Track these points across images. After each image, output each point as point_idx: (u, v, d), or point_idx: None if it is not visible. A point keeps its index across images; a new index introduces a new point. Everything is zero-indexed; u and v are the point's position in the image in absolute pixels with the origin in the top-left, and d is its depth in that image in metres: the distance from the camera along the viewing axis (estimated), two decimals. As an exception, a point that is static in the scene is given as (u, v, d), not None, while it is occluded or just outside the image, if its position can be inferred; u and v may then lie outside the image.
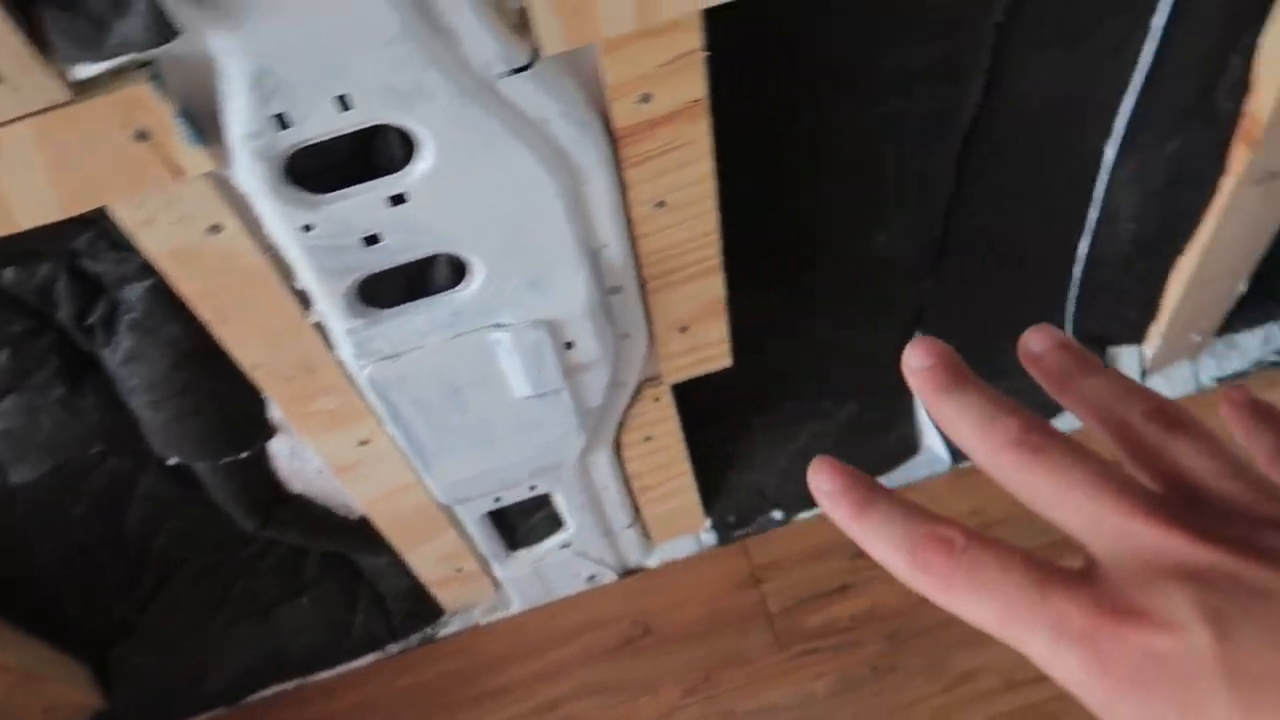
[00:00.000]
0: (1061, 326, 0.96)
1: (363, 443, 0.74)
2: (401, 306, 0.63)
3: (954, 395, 0.27)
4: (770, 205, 0.75)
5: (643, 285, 0.70)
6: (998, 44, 0.67)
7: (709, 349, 0.78)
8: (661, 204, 0.64)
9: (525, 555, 0.96)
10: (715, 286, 0.72)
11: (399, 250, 0.59)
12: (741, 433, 1.00)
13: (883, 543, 0.26)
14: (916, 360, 0.28)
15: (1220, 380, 1.07)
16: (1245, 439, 0.30)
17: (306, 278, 0.59)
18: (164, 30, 0.41)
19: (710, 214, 0.66)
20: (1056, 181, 0.83)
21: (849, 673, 0.96)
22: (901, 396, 1.01)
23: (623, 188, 0.62)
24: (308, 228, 0.55)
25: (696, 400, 0.88)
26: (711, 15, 0.53)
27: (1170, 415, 0.26)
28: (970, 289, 0.90)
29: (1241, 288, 0.96)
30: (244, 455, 0.71)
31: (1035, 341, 0.29)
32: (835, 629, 0.98)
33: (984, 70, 0.68)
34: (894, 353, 1.04)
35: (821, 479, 0.27)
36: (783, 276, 0.82)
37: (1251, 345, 1.07)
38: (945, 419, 0.27)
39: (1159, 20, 0.70)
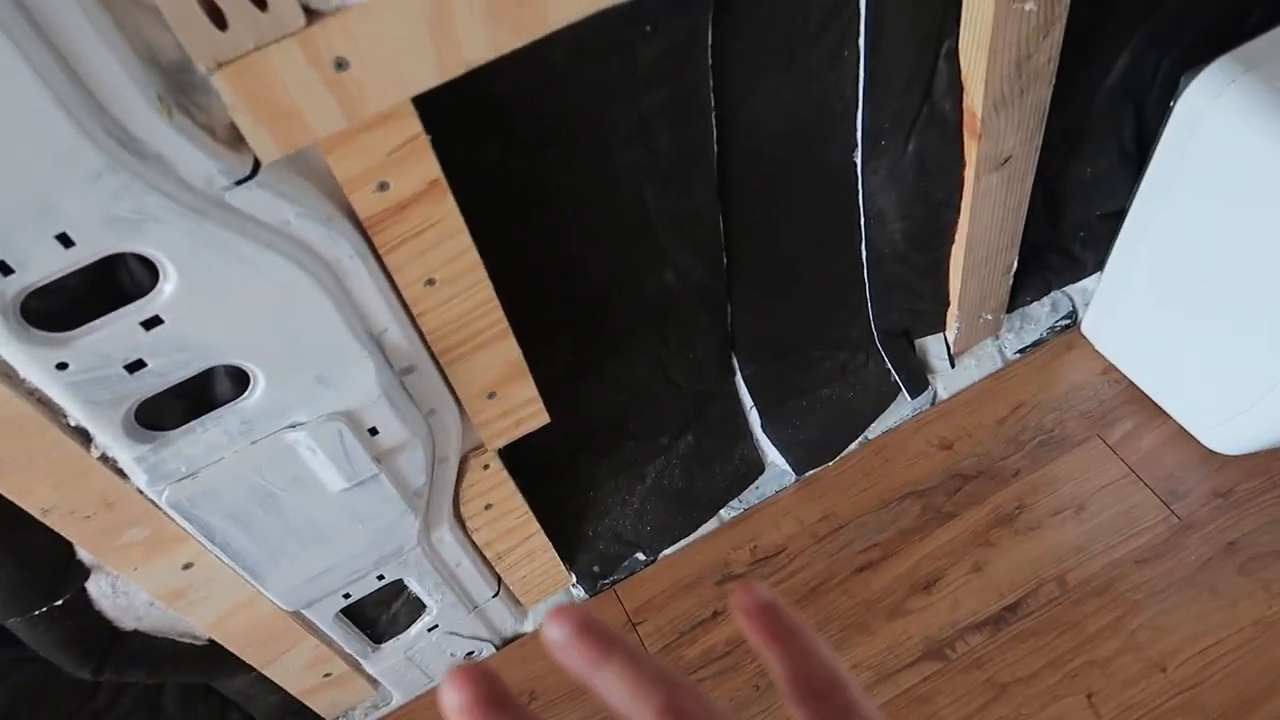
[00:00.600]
0: (867, 326, 1.02)
1: (187, 566, 0.74)
2: (188, 425, 0.64)
3: (603, 668, 0.26)
4: (548, 263, 0.78)
5: (436, 361, 0.72)
6: (718, 81, 0.72)
7: (522, 410, 0.80)
8: (431, 281, 0.67)
9: (394, 646, 0.95)
10: (510, 350, 0.75)
11: (168, 370, 0.60)
12: (588, 483, 1.02)
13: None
14: (554, 634, 0.26)
15: (1021, 351, 1.15)
16: (764, 650, 0.28)
17: (77, 414, 0.59)
18: None
19: (483, 283, 0.69)
20: (818, 195, 0.88)
21: (735, 695, 0.98)
22: (735, 418, 1.05)
23: (387, 272, 0.65)
24: (62, 365, 0.56)
25: (533, 459, 0.90)
26: (432, 97, 0.57)
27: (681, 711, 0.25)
28: (771, 306, 0.95)
29: (1014, 264, 1.04)
30: (58, 603, 0.70)
31: (554, 629, 0.26)
32: (714, 655, 1.00)
33: (712, 107, 0.73)
34: (715, 379, 1.09)
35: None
36: (580, 326, 0.85)
37: (1041, 314, 1.15)
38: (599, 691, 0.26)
39: (863, 40, 0.77)
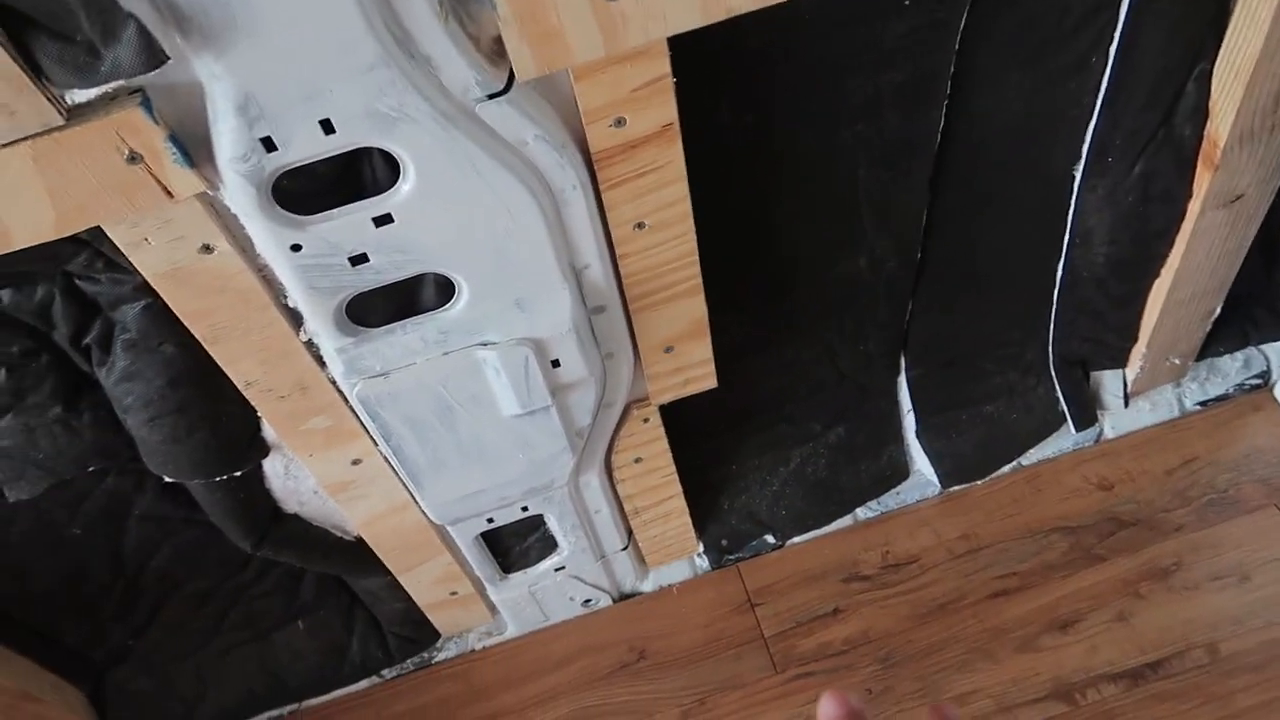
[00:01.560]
0: (1044, 349, 0.98)
1: (356, 462, 0.76)
2: (390, 325, 0.66)
3: None
4: (749, 229, 0.77)
5: (626, 305, 0.72)
6: (959, 68, 0.69)
7: (694, 370, 0.80)
8: (641, 225, 0.66)
9: (520, 579, 0.97)
10: (698, 307, 0.74)
11: (385, 270, 0.61)
12: (733, 456, 1.01)
13: None
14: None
15: (1203, 404, 1.08)
16: None
17: (297, 296, 0.62)
18: (153, 57, 0.44)
19: (689, 235, 0.68)
20: (1029, 203, 0.85)
21: (842, 696, 0.96)
22: (890, 419, 1.02)
23: (602, 210, 0.65)
24: (296, 248, 0.58)
25: (687, 423, 0.90)
26: (681, 43, 0.56)
27: None
28: (952, 310, 0.92)
29: (1217, 310, 0.98)
30: (239, 474, 0.73)
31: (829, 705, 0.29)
32: (829, 652, 0.99)
33: (946, 94, 0.70)
34: (880, 375, 1.07)
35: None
36: (765, 299, 0.84)
37: (1231, 369, 1.08)
38: None
39: (1114, 48, 0.73)
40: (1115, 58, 0.74)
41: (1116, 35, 0.73)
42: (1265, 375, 1.08)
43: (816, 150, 0.72)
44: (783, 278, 0.83)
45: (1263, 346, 1.09)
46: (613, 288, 0.70)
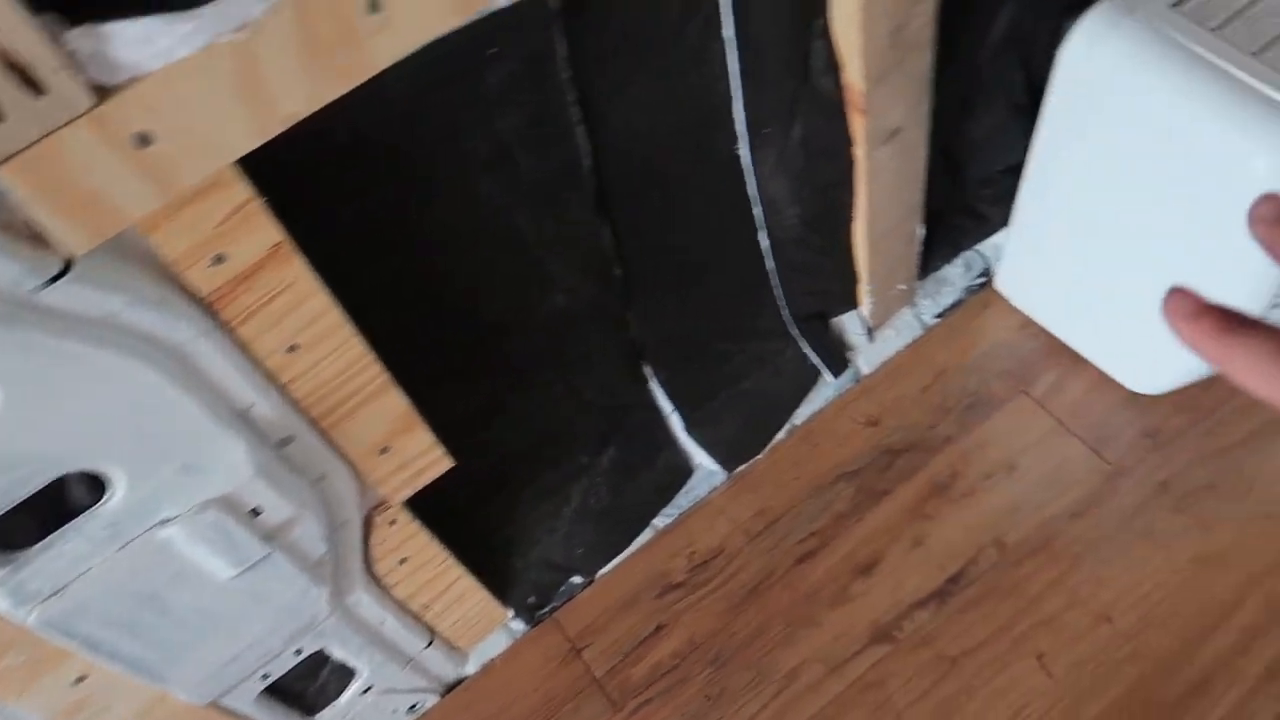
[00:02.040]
0: (777, 314, 0.99)
1: (79, 680, 0.68)
2: (46, 540, 0.58)
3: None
4: (433, 301, 0.73)
5: (317, 426, 0.68)
6: (583, 91, 0.68)
7: (420, 460, 0.76)
8: (294, 348, 0.62)
9: (330, 714, 0.91)
10: (395, 402, 0.70)
11: (8, 490, 0.54)
12: (511, 515, 0.98)
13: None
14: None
15: (940, 315, 1.13)
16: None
17: (-90, 552, 0.54)
18: None
19: (351, 342, 0.64)
20: (708, 192, 0.85)
21: (686, 709, 0.96)
22: (656, 426, 1.02)
23: (243, 346, 0.60)
24: (-122, 508, 0.50)
25: (450, 501, 0.86)
26: (266, 155, 0.51)
27: None
28: (674, 309, 0.92)
29: (918, 231, 1.02)
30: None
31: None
32: (661, 672, 0.98)
33: (576, 121, 0.69)
34: (629, 391, 1.05)
35: (1175, 302, 0.28)
36: (479, 361, 0.81)
37: (956, 276, 1.14)
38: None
39: (729, 30, 0.73)
40: (734, 37, 0.74)
41: (728, 16, 0.73)
42: (986, 272, 1.14)
43: (461, 213, 0.68)
44: (488, 335, 0.80)
45: (977, 249, 1.14)
46: (292, 415, 0.65)
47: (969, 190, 1.07)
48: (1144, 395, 1.04)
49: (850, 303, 1.06)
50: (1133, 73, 0.79)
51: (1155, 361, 0.99)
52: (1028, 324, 1.12)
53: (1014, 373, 1.09)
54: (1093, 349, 1.07)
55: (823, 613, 0.98)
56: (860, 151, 0.86)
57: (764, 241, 0.93)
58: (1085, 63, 0.82)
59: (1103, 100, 0.83)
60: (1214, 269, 0.82)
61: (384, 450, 0.73)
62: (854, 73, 0.79)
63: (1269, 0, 0.78)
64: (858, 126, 0.84)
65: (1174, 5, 0.79)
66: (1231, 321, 0.27)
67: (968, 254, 1.14)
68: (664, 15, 0.69)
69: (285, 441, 0.66)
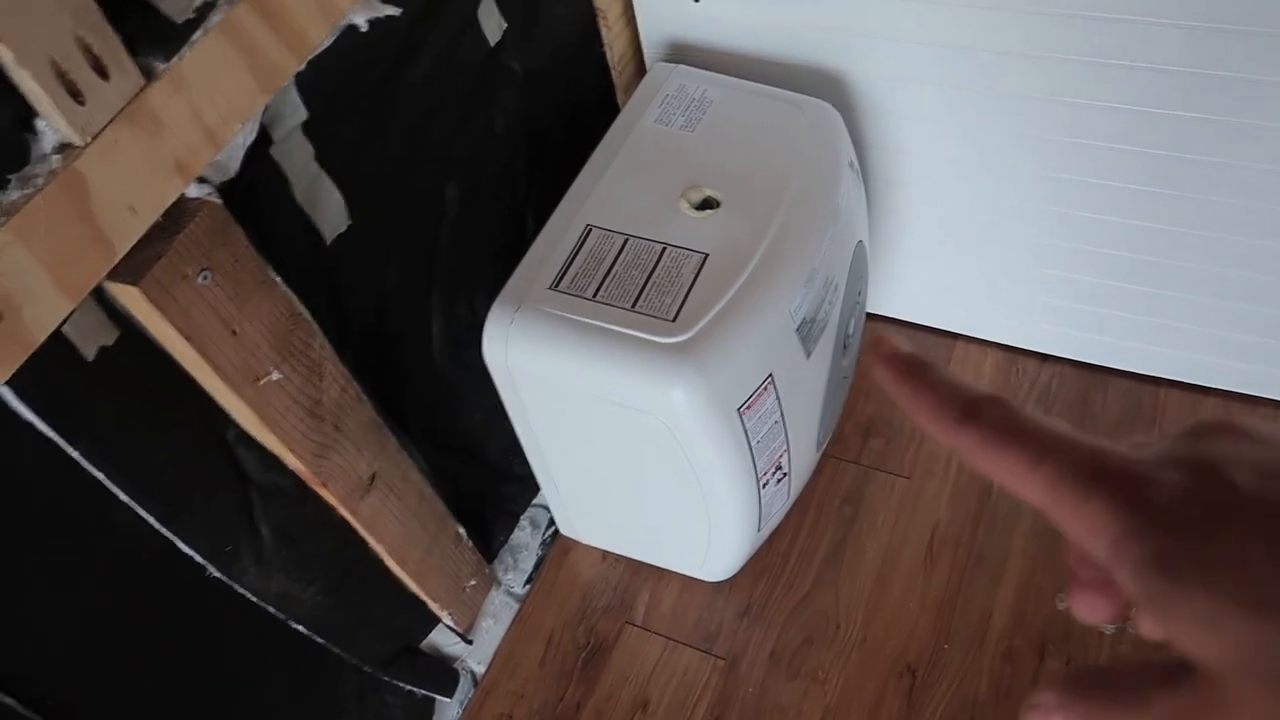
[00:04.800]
0: (357, 674, 0.94)
1: None
2: None
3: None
4: None
5: None
6: None
7: None
8: None
9: None
10: None
11: None
12: None
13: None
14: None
15: (529, 581, 1.14)
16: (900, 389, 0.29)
17: None
18: None
19: None
20: (198, 626, 0.79)
21: None
22: None
23: None
24: None
25: None
26: None
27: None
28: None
29: (461, 530, 1.03)
30: None
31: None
32: None
33: None
34: None
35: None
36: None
37: (526, 538, 1.16)
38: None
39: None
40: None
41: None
42: (553, 521, 1.17)
43: None
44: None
45: (533, 504, 1.18)
46: None
47: (495, 464, 1.11)
48: (723, 581, 1.11)
49: (429, 623, 1.03)
50: (543, 358, 0.86)
51: (711, 554, 1.06)
52: (606, 555, 1.16)
53: (613, 607, 1.12)
54: (661, 558, 1.12)
55: None
56: (345, 512, 0.85)
57: (299, 627, 0.89)
58: (504, 359, 0.88)
59: (536, 385, 0.90)
60: (689, 496, 0.90)
61: None
62: (293, 462, 0.78)
63: (625, 256, 0.89)
64: (328, 496, 0.83)
65: (552, 287, 0.88)
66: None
67: (529, 513, 1.17)
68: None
69: None
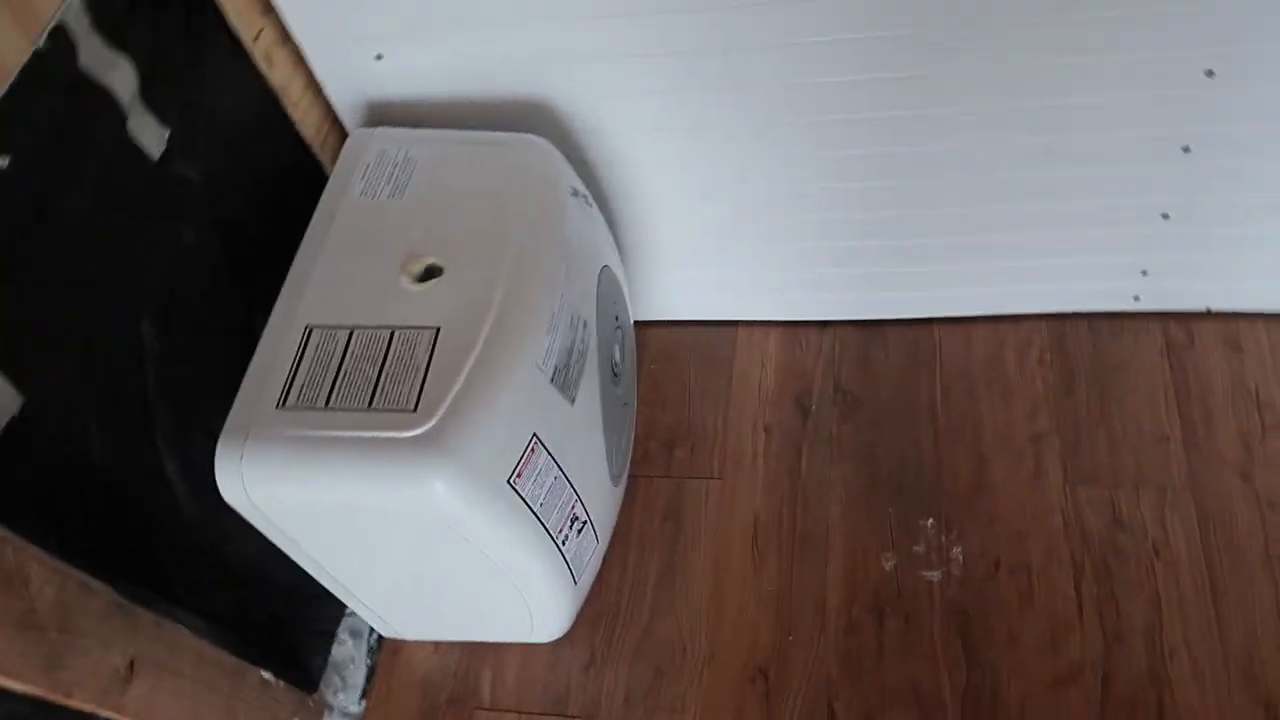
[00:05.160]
0: None
1: None
2: None
3: None
4: None
5: None
6: None
7: None
8: None
9: None
10: None
11: None
12: None
13: None
14: None
15: (364, 695, 1.07)
16: None
17: None
18: None
19: None
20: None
21: None
22: None
23: None
24: None
25: None
26: None
27: None
28: None
29: (266, 674, 0.94)
30: None
31: None
32: None
33: None
34: None
35: None
36: None
37: (350, 651, 1.08)
38: None
39: None
40: None
41: None
42: (370, 628, 1.10)
43: None
44: None
45: (347, 613, 1.10)
46: None
47: (290, 586, 1.03)
48: (561, 638, 1.07)
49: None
50: (287, 486, 0.79)
51: (536, 619, 1.01)
52: (437, 645, 1.09)
53: (457, 696, 1.06)
54: (491, 633, 1.07)
55: None
56: (108, 713, 0.76)
57: None
58: (245, 497, 0.80)
59: (290, 514, 0.83)
60: (491, 574, 0.86)
61: None
62: (20, 686, 0.69)
63: (353, 351, 0.82)
64: (80, 704, 0.74)
65: (280, 406, 0.81)
66: None
67: (346, 623, 1.09)
68: None
69: None
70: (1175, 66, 0.92)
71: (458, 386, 0.80)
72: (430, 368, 0.81)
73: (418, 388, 0.80)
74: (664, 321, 1.29)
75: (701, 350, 1.27)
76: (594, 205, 1.04)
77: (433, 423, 0.78)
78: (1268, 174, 1.00)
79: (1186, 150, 0.99)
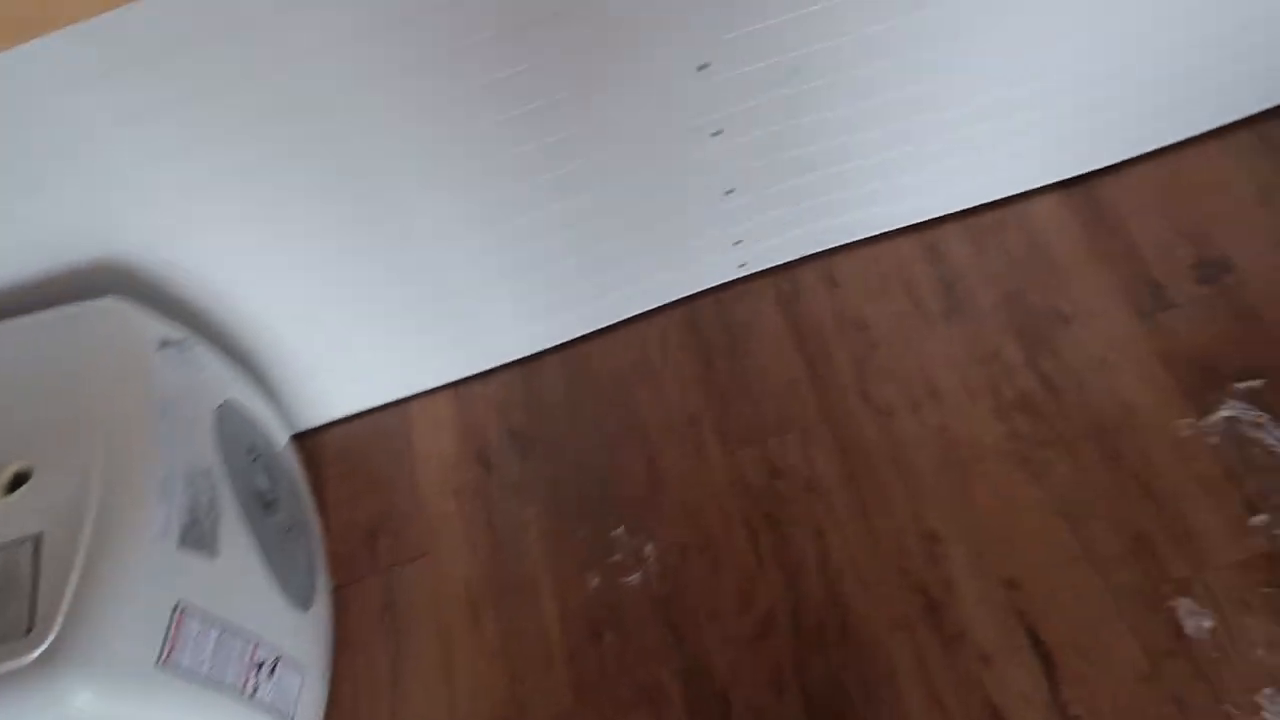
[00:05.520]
0: None
1: None
2: None
3: None
4: None
5: None
6: None
7: None
8: None
9: None
10: None
11: None
12: None
13: None
14: None
15: None
16: None
17: None
18: None
19: None
20: None
21: None
22: None
23: None
24: None
25: None
26: None
27: None
28: None
29: None
30: None
31: None
32: None
33: None
34: None
35: None
36: None
37: None
38: None
39: None
40: None
41: None
42: None
43: None
44: None
45: None
46: None
47: None
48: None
49: None
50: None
51: None
52: None
53: None
54: None
55: None
56: None
57: None
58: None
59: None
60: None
61: None
62: None
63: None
64: None
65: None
66: None
67: None
68: None
69: None
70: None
71: (70, 592, 0.77)
72: (38, 582, 0.78)
73: (27, 607, 0.77)
74: (335, 421, 1.29)
75: (379, 436, 1.28)
76: (197, 346, 1.03)
77: (51, 639, 0.75)
78: (786, 138, 1.13)
79: (718, 134, 1.10)
